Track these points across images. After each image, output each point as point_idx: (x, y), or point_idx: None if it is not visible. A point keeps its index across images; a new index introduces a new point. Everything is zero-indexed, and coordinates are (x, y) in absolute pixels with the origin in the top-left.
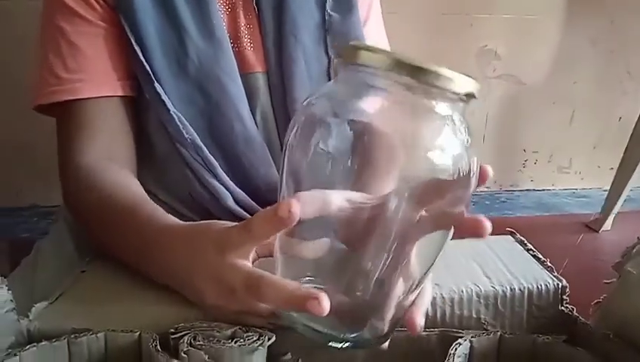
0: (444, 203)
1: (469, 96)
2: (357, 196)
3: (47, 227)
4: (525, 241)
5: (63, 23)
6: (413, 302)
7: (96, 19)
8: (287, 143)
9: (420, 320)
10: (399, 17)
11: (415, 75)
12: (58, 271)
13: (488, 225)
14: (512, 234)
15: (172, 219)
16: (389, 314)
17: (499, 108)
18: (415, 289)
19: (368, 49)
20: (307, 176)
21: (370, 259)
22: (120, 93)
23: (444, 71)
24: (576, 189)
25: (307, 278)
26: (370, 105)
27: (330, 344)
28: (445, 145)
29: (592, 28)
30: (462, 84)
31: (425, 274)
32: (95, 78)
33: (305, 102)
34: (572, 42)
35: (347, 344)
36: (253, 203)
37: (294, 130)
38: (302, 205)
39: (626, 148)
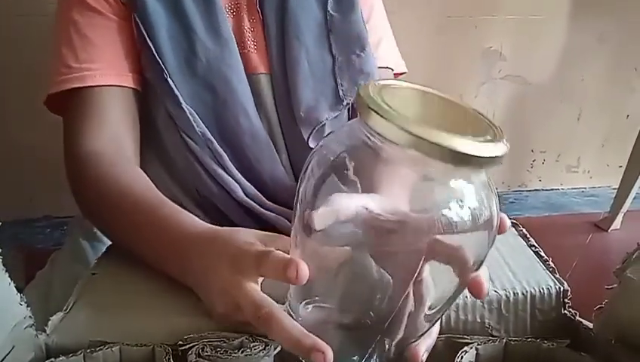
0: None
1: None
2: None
3: (61, 237)
4: (528, 235)
5: (77, 17)
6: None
7: (109, 13)
8: (302, 178)
9: (421, 350)
10: (405, 21)
11: (433, 152)
12: (75, 284)
13: (485, 288)
14: (515, 226)
15: (195, 222)
16: (398, 338)
17: (505, 108)
18: (427, 323)
19: (384, 115)
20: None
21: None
22: (129, 85)
23: (465, 144)
24: (585, 188)
25: (316, 298)
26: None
27: None
28: (464, 206)
29: (599, 25)
30: (484, 151)
31: (435, 320)
32: (104, 68)
33: (320, 146)
34: (579, 40)
35: None
36: (261, 195)
37: (308, 172)
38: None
39: (635, 145)
